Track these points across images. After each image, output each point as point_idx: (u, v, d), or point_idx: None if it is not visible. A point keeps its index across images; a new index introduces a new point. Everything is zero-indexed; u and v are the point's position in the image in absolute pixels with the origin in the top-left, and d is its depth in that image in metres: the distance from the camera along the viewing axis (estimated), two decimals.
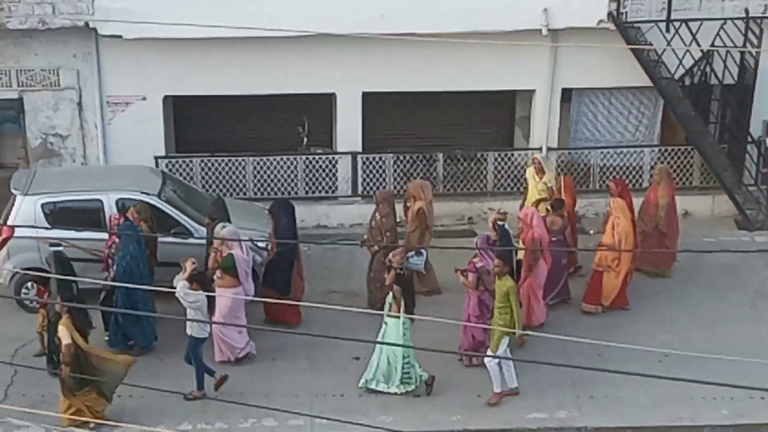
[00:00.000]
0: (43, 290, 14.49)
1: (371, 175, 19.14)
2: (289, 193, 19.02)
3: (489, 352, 14.08)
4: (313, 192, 19.17)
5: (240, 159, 18.94)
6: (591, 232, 17.67)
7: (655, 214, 16.93)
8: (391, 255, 14.47)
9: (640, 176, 19.43)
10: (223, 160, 18.92)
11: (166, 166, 18.58)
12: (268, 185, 19.04)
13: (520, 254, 15.58)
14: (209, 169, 18.88)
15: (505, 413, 14.11)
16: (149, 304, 14.97)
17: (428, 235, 16.43)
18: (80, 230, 15.21)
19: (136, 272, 14.71)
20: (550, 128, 19.16)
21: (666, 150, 19.54)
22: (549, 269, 15.87)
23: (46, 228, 15.49)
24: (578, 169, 19.49)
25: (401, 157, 19.27)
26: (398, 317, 13.96)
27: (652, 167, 19.09)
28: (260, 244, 16.31)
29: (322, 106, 19.44)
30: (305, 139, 19.75)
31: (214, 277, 14.70)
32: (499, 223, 15.57)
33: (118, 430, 13.46)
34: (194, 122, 19.92)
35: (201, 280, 14.02)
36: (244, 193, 18.88)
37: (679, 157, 19.50)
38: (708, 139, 18.94)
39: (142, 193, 16.11)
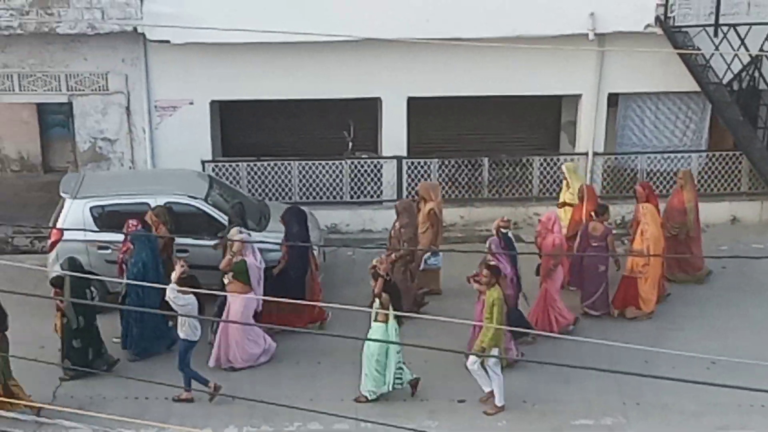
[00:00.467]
0: (59, 293, 14.59)
1: (416, 180, 19.10)
2: (335, 197, 19.10)
3: (475, 364, 13.96)
4: (358, 196, 19.20)
5: (286, 163, 19.02)
6: (624, 240, 17.54)
7: (682, 219, 16.82)
8: (376, 262, 14.43)
9: None
10: (268, 165, 19.01)
11: (213, 170, 18.71)
12: (314, 189, 19.11)
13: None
14: (255, 173, 18.98)
15: (551, 419, 14.06)
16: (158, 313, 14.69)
17: (440, 235, 16.55)
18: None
19: (146, 280, 14.50)
20: (596, 133, 19.07)
21: (714, 155, 19.39)
22: (585, 276, 16.08)
23: (95, 231, 15.69)
24: (625, 175, 19.39)
25: (446, 162, 19.26)
26: (385, 323, 13.96)
27: (700, 172, 19.03)
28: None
29: (368, 110, 19.48)
30: (350, 144, 19.81)
31: (224, 280, 14.76)
32: (503, 230, 15.54)
33: None
34: (241, 127, 20.04)
35: (191, 284, 13.93)
36: (290, 198, 18.96)
37: (727, 163, 19.34)
38: (756, 144, 18.76)
39: (189, 196, 16.25)
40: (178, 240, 15.73)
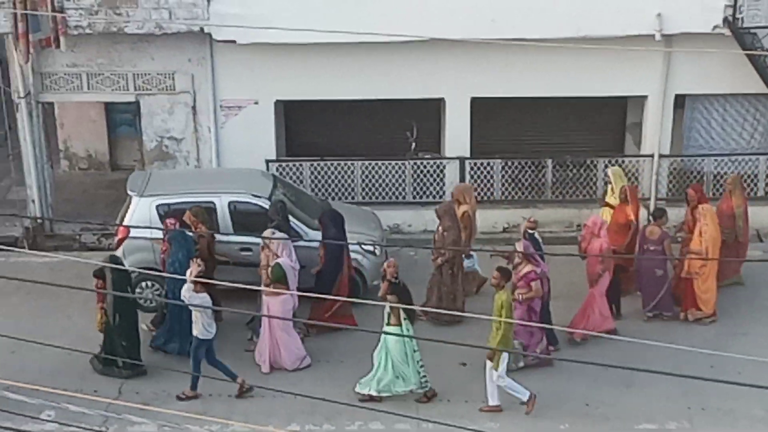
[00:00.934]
0: (102, 285, 14.73)
1: (479, 181, 19.10)
2: (397, 198, 19.11)
3: (492, 370, 13.90)
4: (421, 197, 19.19)
5: (349, 163, 19.07)
6: (679, 237, 17.30)
7: (731, 225, 16.57)
8: (385, 265, 14.41)
9: (755, 184, 19.02)
10: (332, 164, 19.08)
11: (277, 169, 18.82)
12: (377, 189, 19.14)
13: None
14: (318, 172, 19.06)
15: (614, 423, 13.95)
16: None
17: (473, 238, 16.56)
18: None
19: (182, 281, 14.40)
20: (662, 135, 18.87)
21: None
22: (643, 281, 16.03)
23: (161, 229, 15.86)
24: (691, 177, 19.16)
25: (509, 163, 19.17)
26: (398, 326, 13.93)
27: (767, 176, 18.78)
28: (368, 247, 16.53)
29: (431, 111, 19.48)
30: (413, 144, 19.82)
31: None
32: (529, 231, 15.44)
33: (229, 429, 13.67)
34: (304, 126, 20.14)
35: (207, 283, 13.96)
36: (353, 197, 19.01)
37: None
38: None
39: (254, 195, 16.36)
40: (243, 239, 15.83)
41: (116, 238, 16.61)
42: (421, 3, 17.62)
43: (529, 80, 18.51)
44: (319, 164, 19.09)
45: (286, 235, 15.17)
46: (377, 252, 16.78)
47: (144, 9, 17.57)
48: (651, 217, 16.21)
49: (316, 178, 19.06)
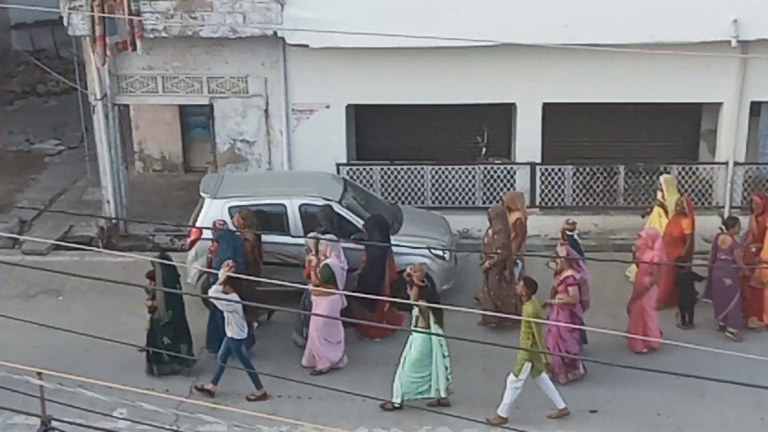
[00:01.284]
0: (154, 284, 14.90)
1: (550, 187, 19.00)
2: (467, 203, 19.08)
3: (511, 376, 13.79)
4: (491, 202, 19.04)
5: (419, 168, 19.08)
6: (752, 248, 17.06)
7: None
8: (410, 270, 14.29)
9: None
10: (402, 169, 19.11)
11: (347, 173, 18.89)
12: (446, 194, 19.13)
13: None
14: (389, 177, 19.10)
15: None
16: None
17: (524, 245, 16.43)
18: (265, 233, 15.71)
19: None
20: (737, 142, 18.59)
21: None
22: (714, 290, 15.80)
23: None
24: (766, 185, 18.87)
25: (581, 169, 19.04)
26: (428, 329, 13.84)
27: None
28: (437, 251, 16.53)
29: (502, 116, 19.41)
30: (484, 149, 19.77)
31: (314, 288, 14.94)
32: (568, 233, 15.27)
33: (298, 430, 13.76)
34: (375, 131, 20.19)
35: (234, 284, 14.12)
36: (422, 202, 19.02)
37: None
38: None
39: (324, 199, 16.46)
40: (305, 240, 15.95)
41: (189, 240, 16.82)
42: (494, 8, 17.56)
43: (601, 86, 18.37)
44: (389, 168, 19.13)
45: (333, 237, 15.24)
46: (447, 257, 16.76)
47: (219, 13, 17.75)
48: (723, 226, 15.97)
49: (386, 182, 19.11)
